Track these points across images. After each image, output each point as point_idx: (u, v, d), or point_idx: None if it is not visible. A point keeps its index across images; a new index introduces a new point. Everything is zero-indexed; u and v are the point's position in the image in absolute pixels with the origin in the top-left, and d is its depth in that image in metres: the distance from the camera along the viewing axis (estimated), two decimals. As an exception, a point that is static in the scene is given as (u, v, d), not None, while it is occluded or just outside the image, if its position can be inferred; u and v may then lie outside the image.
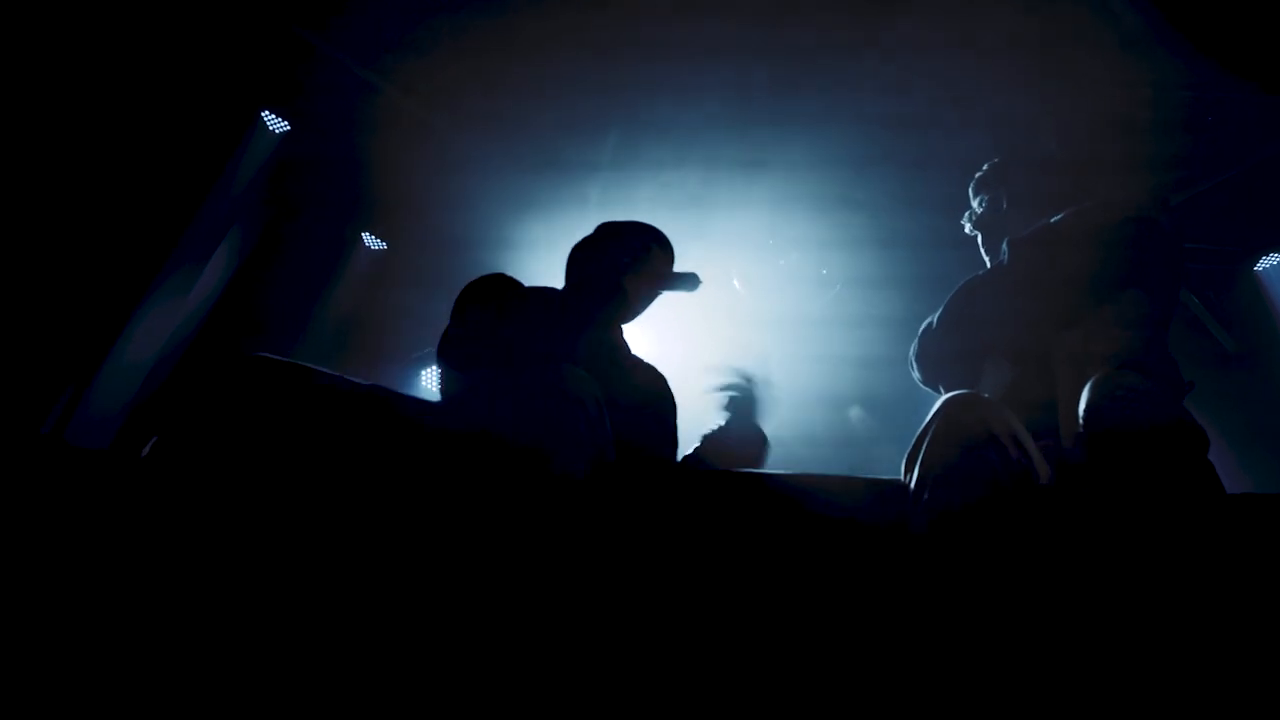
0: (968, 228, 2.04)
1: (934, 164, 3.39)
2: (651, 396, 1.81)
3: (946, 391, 1.37)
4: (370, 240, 4.19)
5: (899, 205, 3.71)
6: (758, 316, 4.17)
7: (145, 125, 3.11)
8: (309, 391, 1.41)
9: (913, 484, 1.20)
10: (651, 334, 4.25)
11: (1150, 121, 3.18)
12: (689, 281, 1.94)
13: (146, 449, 1.30)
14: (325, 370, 1.47)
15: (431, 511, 1.37)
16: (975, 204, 2.05)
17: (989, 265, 1.99)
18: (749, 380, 1.82)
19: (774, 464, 1.76)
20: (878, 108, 3.35)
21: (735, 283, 4.22)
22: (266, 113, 3.53)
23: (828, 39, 3.11)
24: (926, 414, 1.34)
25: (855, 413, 4.53)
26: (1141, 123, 3.18)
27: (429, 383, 4.27)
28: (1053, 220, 1.75)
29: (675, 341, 4.14)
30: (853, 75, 3.24)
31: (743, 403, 1.81)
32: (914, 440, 1.27)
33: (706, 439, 1.78)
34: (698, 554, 1.38)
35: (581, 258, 1.98)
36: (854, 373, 4.21)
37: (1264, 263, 3.65)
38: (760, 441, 1.78)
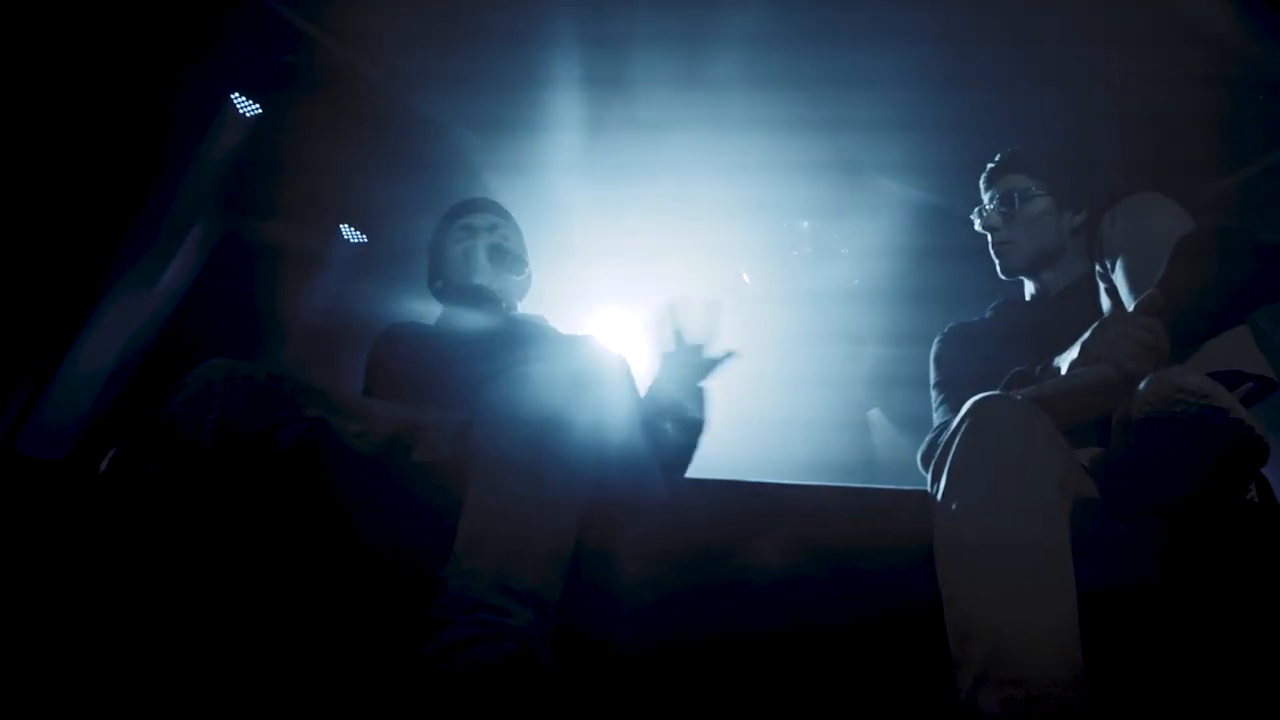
0: (977, 224, 2.00)
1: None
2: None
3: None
4: (349, 233, 4.18)
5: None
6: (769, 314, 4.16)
7: (103, 107, 3.09)
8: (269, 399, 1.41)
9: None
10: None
11: (1193, 111, 3.14)
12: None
13: (105, 462, 1.29)
14: (286, 372, 1.48)
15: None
16: (986, 199, 2.00)
17: (999, 267, 1.97)
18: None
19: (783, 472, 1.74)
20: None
21: (745, 278, 4.21)
22: (237, 95, 3.52)
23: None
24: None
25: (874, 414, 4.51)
26: (1184, 112, 3.14)
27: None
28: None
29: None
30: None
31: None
32: (942, 443, 1.25)
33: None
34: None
35: None
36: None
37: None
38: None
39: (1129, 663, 1.16)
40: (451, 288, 2.11)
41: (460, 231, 2.15)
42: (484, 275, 2.07)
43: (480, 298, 2.06)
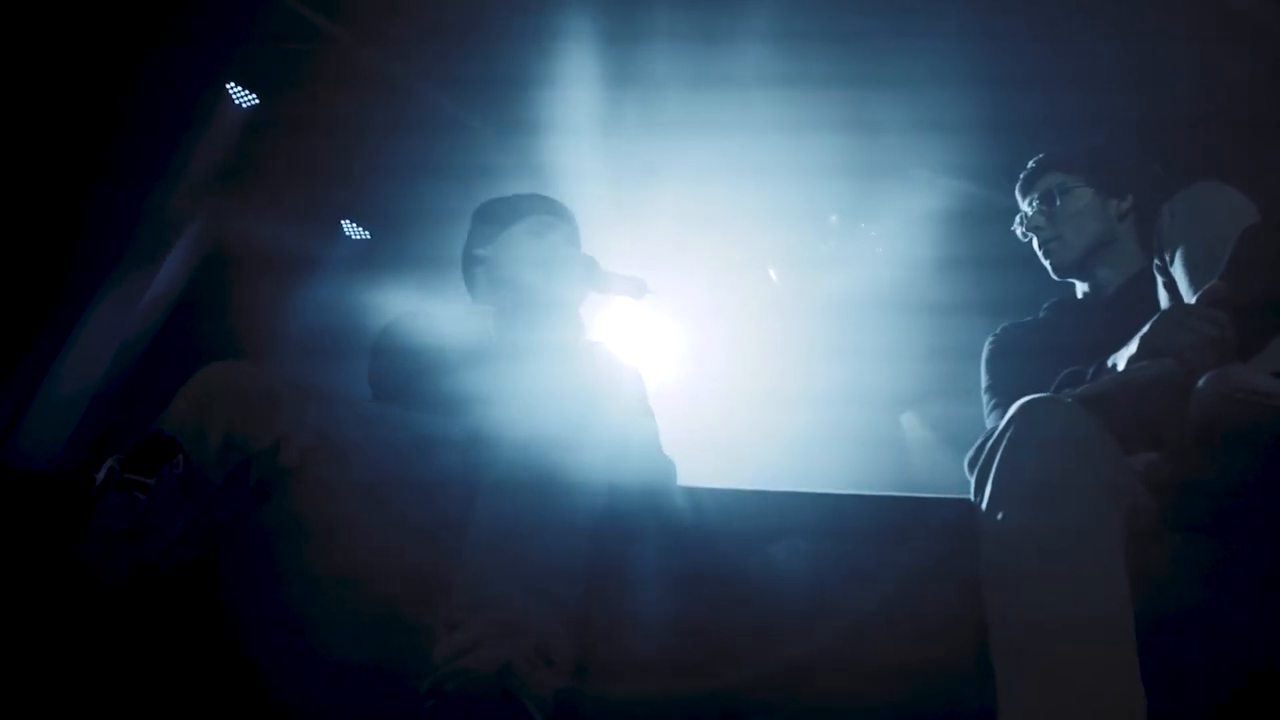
0: (1019, 230, 2.01)
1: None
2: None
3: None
4: (351, 229, 4.19)
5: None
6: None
7: (94, 101, 3.11)
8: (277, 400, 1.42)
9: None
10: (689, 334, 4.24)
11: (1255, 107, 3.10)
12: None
13: (101, 474, 1.30)
14: (288, 378, 1.49)
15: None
16: (1025, 205, 2.02)
17: (1050, 267, 1.97)
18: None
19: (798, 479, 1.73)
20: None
21: (770, 274, 4.21)
22: (233, 85, 3.54)
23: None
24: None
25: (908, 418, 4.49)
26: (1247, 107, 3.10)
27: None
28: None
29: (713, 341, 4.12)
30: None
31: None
32: (987, 449, 1.23)
33: None
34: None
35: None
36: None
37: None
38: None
39: (1191, 694, 1.13)
40: (515, 285, 1.98)
41: (541, 224, 2.03)
42: (567, 287, 1.96)
43: (554, 309, 1.90)
